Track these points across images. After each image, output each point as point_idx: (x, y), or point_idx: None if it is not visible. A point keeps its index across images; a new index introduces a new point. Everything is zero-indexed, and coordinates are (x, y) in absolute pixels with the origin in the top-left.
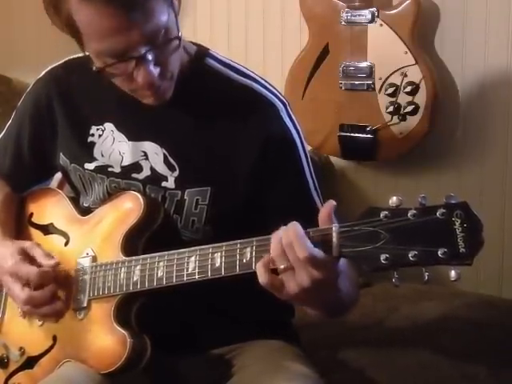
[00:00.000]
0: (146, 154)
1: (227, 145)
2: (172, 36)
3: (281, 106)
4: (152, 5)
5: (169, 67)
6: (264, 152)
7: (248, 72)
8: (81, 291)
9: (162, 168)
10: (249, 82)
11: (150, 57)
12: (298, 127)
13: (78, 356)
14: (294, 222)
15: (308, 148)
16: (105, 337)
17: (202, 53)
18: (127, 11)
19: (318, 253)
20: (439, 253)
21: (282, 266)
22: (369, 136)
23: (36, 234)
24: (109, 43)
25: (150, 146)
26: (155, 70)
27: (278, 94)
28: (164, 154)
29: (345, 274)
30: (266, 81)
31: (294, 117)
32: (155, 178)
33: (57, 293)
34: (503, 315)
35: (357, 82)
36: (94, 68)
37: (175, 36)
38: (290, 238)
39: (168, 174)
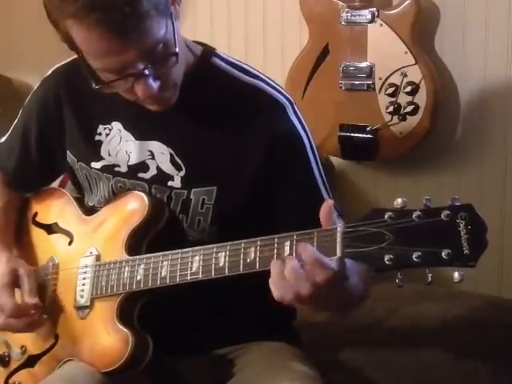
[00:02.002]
0: (152, 154)
1: (234, 144)
2: (171, 51)
3: (287, 103)
4: (146, 24)
5: (169, 78)
6: (271, 151)
7: (254, 71)
8: (84, 290)
9: (168, 167)
10: (255, 81)
11: (148, 72)
12: (305, 124)
13: (80, 354)
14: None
15: (316, 144)
16: (107, 335)
17: (208, 53)
18: (120, 34)
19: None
20: (443, 254)
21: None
22: (369, 136)
23: (40, 233)
24: (105, 62)
25: (156, 146)
26: (155, 84)
27: (284, 92)
28: (170, 154)
29: (353, 270)
30: (271, 79)
31: (300, 114)
32: (161, 177)
33: (33, 323)
34: (503, 315)
35: (357, 82)
36: (93, 85)
37: (173, 52)
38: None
39: (174, 173)
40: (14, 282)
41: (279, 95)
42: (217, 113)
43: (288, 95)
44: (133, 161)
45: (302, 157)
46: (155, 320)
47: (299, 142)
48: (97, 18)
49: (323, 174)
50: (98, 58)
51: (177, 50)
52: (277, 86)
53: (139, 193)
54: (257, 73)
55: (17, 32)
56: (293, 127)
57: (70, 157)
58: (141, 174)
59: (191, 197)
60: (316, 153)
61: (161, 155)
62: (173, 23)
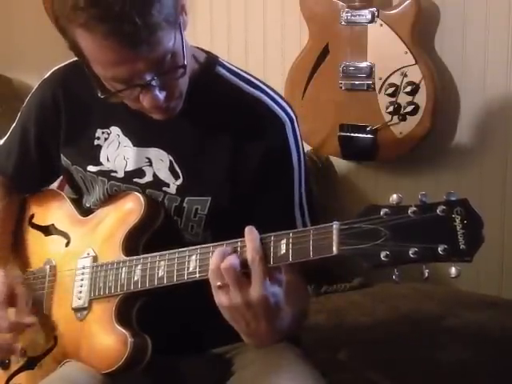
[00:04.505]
0: (150, 161)
1: (232, 156)
2: (179, 62)
3: (287, 120)
4: (157, 36)
5: (176, 89)
6: (263, 164)
7: (258, 83)
8: (81, 291)
9: (165, 175)
10: (258, 93)
11: (155, 83)
12: (300, 144)
13: (79, 356)
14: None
15: (307, 160)
16: (106, 337)
17: (212, 61)
18: (130, 45)
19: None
20: (439, 249)
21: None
22: (369, 136)
23: (37, 235)
24: (112, 72)
25: (155, 153)
26: (161, 95)
27: (287, 108)
28: (170, 161)
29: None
30: (275, 92)
31: (298, 132)
32: (157, 183)
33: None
34: (503, 315)
35: (357, 82)
36: (99, 94)
37: (181, 64)
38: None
39: (171, 181)
40: (10, 301)
41: (280, 111)
42: (218, 123)
43: (290, 111)
44: (130, 167)
45: (285, 176)
46: (153, 320)
47: (288, 161)
48: (108, 29)
49: (304, 197)
50: (106, 68)
51: (185, 62)
52: (279, 100)
53: (135, 193)
54: (261, 85)
55: (17, 32)
56: (286, 145)
57: (64, 160)
58: (136, 180)
59: (184, 204)
60: (303, 175)
61: (159, 162)
62: (181, 34)
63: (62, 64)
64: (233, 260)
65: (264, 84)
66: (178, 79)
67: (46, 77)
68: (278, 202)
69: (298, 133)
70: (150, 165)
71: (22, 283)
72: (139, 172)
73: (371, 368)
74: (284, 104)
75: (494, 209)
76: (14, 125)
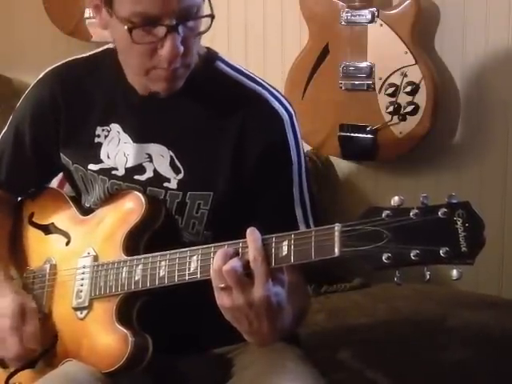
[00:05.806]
0: (150, 157)
1: (232, 151)
2: (203, 14)
3: (286, 117)
4: None
5: (190, 52)
6: (262, 161)
7: (258, 79)
8: (82, 291)
9: (166, 170)
10: (259, 88)
11: (180, 30)
12: (300, 141)
13: (80, 355)
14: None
15: (307, 159)
16: (106, 336)
17: (212, 56)
18: None
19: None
20: (441, 252)
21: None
22: (369, 136)
23: (37, 233)
24: (145, 5)
25: (156, 148)
26: (181, 47)
27: (286, 104)
28: (171, 157)
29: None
30: (275, 88)
31: (297, 128)
32: (157, 179)
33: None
34: (503, 315)
35: (357, 82)
36: (126, 27)
37: (209, 14)
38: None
39: (172, 176)
40: (22, 321)
41: (280, 107)
42: (219, 117)
43: (289, 107)
44: (130, 163)
45: (284, 173)
46: (154, 320)
47: (287, 157)
48: None
49: (306, 195)
50: (140, 1)
51: (213, 13)
52: (279, 96)
53: (136, 192)
54: (261, 80)
55: (17, 32)
56: (285, 142)
57: (64, 158)
58: (137, 177)
59: (187, 200)
60: (303, 173)
61: (160, 158)
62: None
63: (56, 64)
64: (235, 263)
65: (264, 81)
66: (199, 35)
67: (40, 77)
68: (278, 199)
69: (297, 129)
70: (151, 161)
71: (31, 302)
72: (139, 168)
73: (371, 368)
74: (283, 100)
75: (494, 209)
76: (5, 129)
